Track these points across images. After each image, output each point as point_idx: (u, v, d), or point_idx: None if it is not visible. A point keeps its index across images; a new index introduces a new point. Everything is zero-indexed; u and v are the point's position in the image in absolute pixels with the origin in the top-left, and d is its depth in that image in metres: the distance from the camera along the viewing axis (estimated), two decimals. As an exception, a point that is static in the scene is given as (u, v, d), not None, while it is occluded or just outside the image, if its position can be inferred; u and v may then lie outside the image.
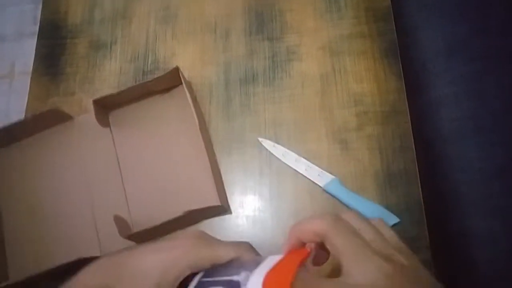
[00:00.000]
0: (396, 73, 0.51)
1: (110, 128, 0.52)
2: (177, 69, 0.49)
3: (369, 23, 0.53)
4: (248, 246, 0.34)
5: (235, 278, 0.29)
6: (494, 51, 0.48)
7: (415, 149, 0.48)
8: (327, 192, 0.47)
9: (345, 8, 0.55)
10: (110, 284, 0.31)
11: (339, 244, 0.23)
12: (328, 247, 0.25)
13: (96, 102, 0.49)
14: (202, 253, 0.32)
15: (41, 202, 0.50)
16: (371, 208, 0.46)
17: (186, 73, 0.53)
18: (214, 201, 0.45)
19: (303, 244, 0.28)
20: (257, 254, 0.34)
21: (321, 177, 0.47)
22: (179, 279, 0.31)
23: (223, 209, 0.47)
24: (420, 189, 0.47)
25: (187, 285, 0.31)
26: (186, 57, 0.56)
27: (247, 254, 0.32)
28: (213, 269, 0.32)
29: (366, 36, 0.53)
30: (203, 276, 0.32)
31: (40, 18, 0.60)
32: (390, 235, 0.26)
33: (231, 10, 0.57)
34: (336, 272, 0.24)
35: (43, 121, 0.51)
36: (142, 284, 0.31)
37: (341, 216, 0.26)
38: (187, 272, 0.31)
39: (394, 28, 0.53)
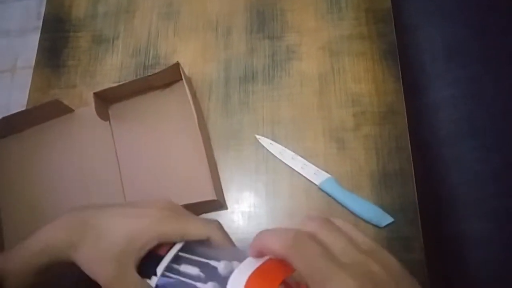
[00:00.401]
0: (394, 74, 0.51)
1: (109, 121, 0.52)
2: (177, 65, 0.49)
3: (369, 24, 0.54)
4: (218, 225, 0.34)
5: (212, 263, 0.29)
6: (492, 53, 0.49)
7: (411, 150, 0.48)
8: (323, 191, 0.47)
9: (346, 9, 0.55)
10: (73, 241, 0.31)
11: (301, 269, 0.21)
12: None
13: (97, 95, 0.50)
14: (172, 225, 0.32)
15: (39, 195, 0.51)
16: (366, 207, 0.46)
17: (186, 69, 0.54)
18: (210, 196, 0.45)
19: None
20: (226, 235, 0.34)
21: (317, 176, 0.48)
22: (145, 248, 0.31)
23: (219, 204, 0.47)
24: (415, 189, 0.47)
25: (161, 254, 0.31)
26: (187, 53, 0.56)
27: (217, 234, 0.33)
28: (190, 246, 0.32)
29: (366, 37, 0.53)
30: (181, 250, 0.32)
31: (44, 12, 0.61)
32: (362, 239, 0.24)
33: (233, 8, 0.58)
34: None
35: (43, 112, 0.51)
36: (106, 248, 0.30)
37: (307, 227, 0.23)
38: (155, 243, 0.31)
39: (394, 29, 0.53)
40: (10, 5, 1.03)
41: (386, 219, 0.45)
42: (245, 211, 0.48)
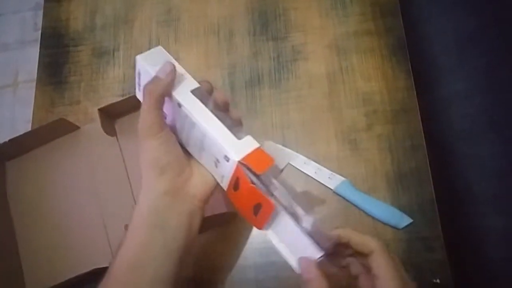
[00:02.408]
0: (404, 70, 0.50)
1: (116, 136, 0.51)
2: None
3: (376, 19, 0.52)
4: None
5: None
6: (506, 44, 0.47)
7: (427, 147, 0.47)
8: (338, 195, 0.46)
9: (351, 5, 0.53)
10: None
11: (384, 263, 0.29)
12: (370, 262, 0.29)
13: (102, 111, 0.49)
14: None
15: (52, 213, 0.50)
16: (383, 209, 0.45)
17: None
18: (222, 208, 0.44)
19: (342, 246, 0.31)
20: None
21: (332, 180, 0.47)
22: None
23: (231, 215, 0.46)
24: (432, 188, 0.46)
25: None
26: (190, 60, 0.55)
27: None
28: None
29: (373, 33, 0.52)
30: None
31: (42, 27, 0.59)
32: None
33: (234, 11, 0.56)
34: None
35: (49, 131, 0.51)
36: None
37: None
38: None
39: (402, 23, 0.52)
40: (6, 18, 1.02)
41: (404, 221, 0.45)
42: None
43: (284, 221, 0.30)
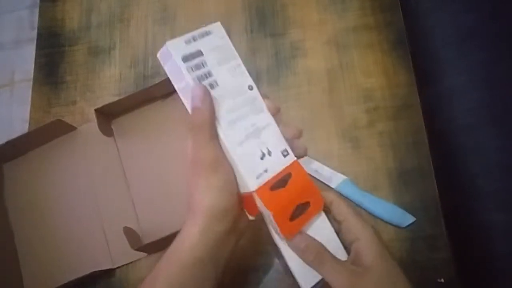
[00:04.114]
0: (405, 65, 0.49)
1: (113, 137, 0.51)
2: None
3: (376, 13, 0.51)
4: None
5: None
6: (507, 36, 0.46)
7: (429, 143, 0.46)
8: (340, 193, 0.45)
9: (350, -1, 0.52)
10: None
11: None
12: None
13: (98, 111, 0.48)
14: None
15: (50, 216, 0.50)
16: (385, 208, 0.44)
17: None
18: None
19: None
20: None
21: (333, 178, 0.46)
22: None
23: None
24: (435, 185, 0.45)
25: None
26: (187, 59, 0.54)
27: None
28: None
29: (373, 28, 0.51)
30: None
31: (37, 27, 0.59)
32: None
33: (231, 7, 0.55)
34: None
35: (46, 133, 0.50)
36: None
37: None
38: None
39: (402, 17, 0.51)
40: (1, 17, 1.00)
41: (407, 219, 0.44)
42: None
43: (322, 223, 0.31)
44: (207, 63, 0.31)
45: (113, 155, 0.50)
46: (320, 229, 0.31)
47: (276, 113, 0.32)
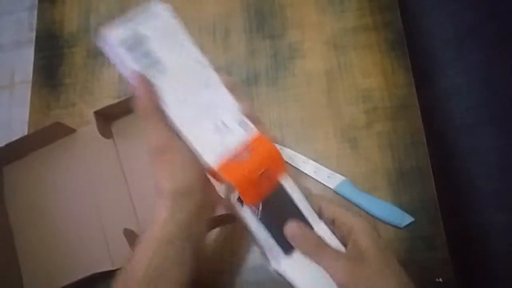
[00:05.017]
0: (404, 66, 0.49)
1: (113, 139, 0.51)
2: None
3: (374, 14, 0.51)
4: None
5: None
6: (506, 36, 0.46)
7: (427, 144, 0.46)
8: (339, 194, 0.46)
9: (348, 0, 0.52)
10: None
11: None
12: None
13: (97, 114, 0.48)
14: None
15: (50, 218, 0.50)
16: (384, 208, 0.45)
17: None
18: (223, 210, 0.44)
19: None
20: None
21: (331, 179, 0.46)
22: None
23: (232, 217, 0.46)
24: (434, 185, 0.45)
25: None
26: (186, 60, 0.54)
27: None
28: None
29: (371, 28, 0.51)
30: None
31: (36, 29, 0.59)
32: None
33: (229, 9, 0.55)
34: None
35: (45, 135, 0.50)
36: None
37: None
38: None
39: (400, 17, 0.51)
40: (0, 19, 1.01)
41: (406, 219, 0.44)
42: (260, 221, 0.47)
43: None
44: (149, 45, 0.30)
45: (112, 157, 0.50)
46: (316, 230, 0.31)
47: (232, 87, 0.32)
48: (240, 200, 0.30)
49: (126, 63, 0.29)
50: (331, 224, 0.32)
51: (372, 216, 0.45)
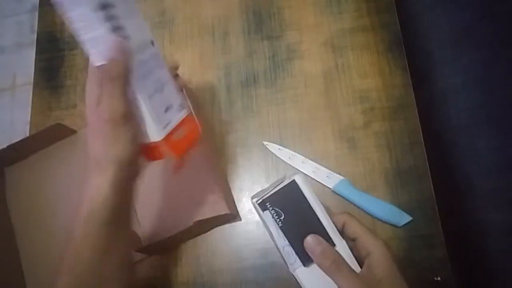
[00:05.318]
0: (401, 66, 0.49)
1: (113, 140, 0.51)
2: (176, 76, 0.48)
3: (371, 15, 0.52)
4: None
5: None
6: (502, 36, 0.46)
7: (425, 143, 0.47)
8: (337, 194, 0.46)
9: (346, 1, 0.53)
10: None
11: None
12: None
13: (98, 115, 0.49)
14: None
15: (52, 219, 0.50)
16: (382, 208, 0.45)
17: (186, 78, 0.52)
18: (223, 210, 0.44)
19: None
20: None
21: (330, 179, 0.46)
22: None
23: (232, 216, 0.46)
24: (431, 185, 0.45)
25: None
26: (185, 61, 0.55)
27: None
28: None
29: (369, 29, 0.51)
30: None
31: (37, 32, 0.59)
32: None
33: (228, 11, 0.56)
34: None
35: (46, 137, 0.51)
36: None
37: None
38: None
39: (397, 19, 0.51)
40: (2, 21, 1.01)
41: (404, 218, 0.44)
42: (259, 221, 0.47)
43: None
44: (119, 14, 0.30)
45: (113, 158, 0.50)
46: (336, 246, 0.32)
47: (175, 69, 0.37)
48: (260, 204, 0.33)
49: (99, 28, 0.29)
50: (352, 241, 0.33)
51: (371, 215, 0.45)
